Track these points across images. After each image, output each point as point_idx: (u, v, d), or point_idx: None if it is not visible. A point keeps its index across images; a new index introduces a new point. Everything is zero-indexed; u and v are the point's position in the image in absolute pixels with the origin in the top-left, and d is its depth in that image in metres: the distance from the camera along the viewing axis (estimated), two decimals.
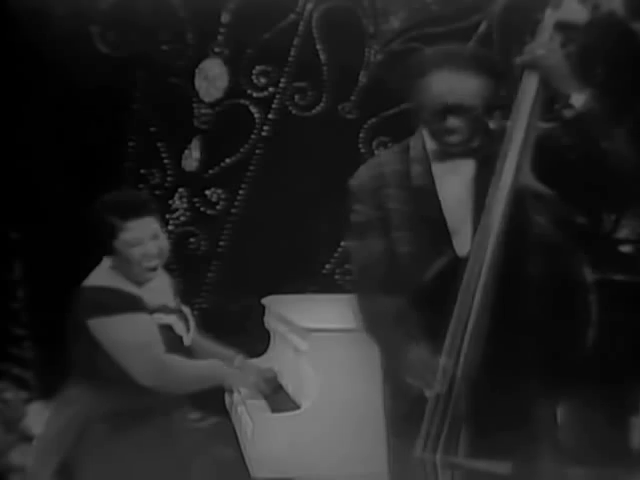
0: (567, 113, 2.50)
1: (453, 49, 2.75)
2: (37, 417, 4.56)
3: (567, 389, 2.44)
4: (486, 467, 2.39)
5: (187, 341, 3.30)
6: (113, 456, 3.09)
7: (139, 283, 3.22)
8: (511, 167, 2.51)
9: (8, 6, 4.61)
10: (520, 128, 2.54)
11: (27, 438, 4.54)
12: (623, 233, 4.26)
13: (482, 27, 4.85)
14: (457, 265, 2.52)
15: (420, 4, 4.92)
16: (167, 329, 3.20)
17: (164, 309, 3.25)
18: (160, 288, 3.34)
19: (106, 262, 3.23)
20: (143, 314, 3.14)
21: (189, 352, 3.31)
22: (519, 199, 2.50)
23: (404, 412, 2.63)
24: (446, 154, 2.69)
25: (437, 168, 2.72)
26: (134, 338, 3.11)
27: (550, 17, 2.59)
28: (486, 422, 2.42)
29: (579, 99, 2.50)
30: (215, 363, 3.28)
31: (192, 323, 3.39)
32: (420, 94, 2.68)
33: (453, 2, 4.89)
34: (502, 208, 2.48)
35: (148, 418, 3.14)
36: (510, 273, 2.46)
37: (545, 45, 2.57)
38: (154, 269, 3.20)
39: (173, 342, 3.21)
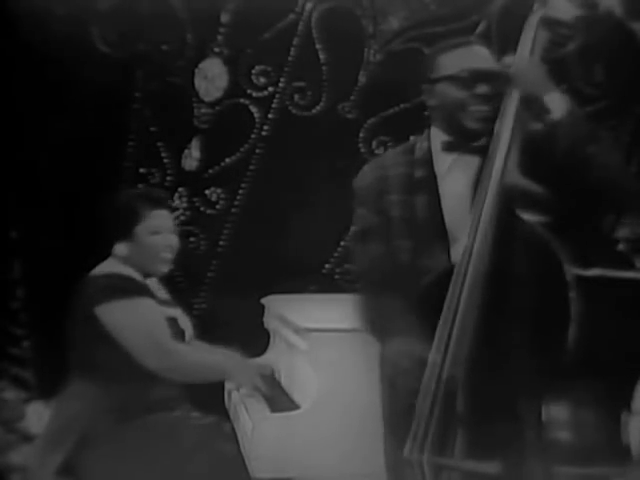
0: (548, 118, 2.50)
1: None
2: (37, 417, 4.56)
3: (552, 387, 2.44)
4: (474, 467, 2.39)
5: (188, 337, 3.32)
6: (116, 451, 3.10)
7: (147, 275, 3.26)
8: (499, 166, 2.52)
9: (8, 6, 4.61)
10: (507, 129, 2.55)
11: (27, 438, 4.55)
12: (623, 233, 4.27)
13: (481, 27, 4.85)
14: (452, 274, 2.53)
15: (419, 4, 4.93)
16: (172, 321, 3.24)
17: (169, 302, 3.29)
18: (160, 286, 3.37)
19: (115, 255, 3.26)
20: (150, 300, 3.18)
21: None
22: (506, 197, 2.51)
23: (401, 411, 2.64)
24: (454, 146, 2.69)
25: (441, 164, 2.72)
26: (141, 321, 3.15)
27: (536, 14, 2.60)
28: (473, 422, 2.42)
29: (555, 100, 2.51)
30: (220, 357, 3.30)
31: (189, 324, 3.42)
32: (441, 70, 2.68)
33: (452, 2, 4.90)
34: (489, 207, 2.49)
35: (151, 414, 3.15)
36: (496, 271, 2.46)
37: (521, 58, 2.57)
38: (168, 260, 3.27)
39: (177, 335, 3.24)
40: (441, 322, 2.47)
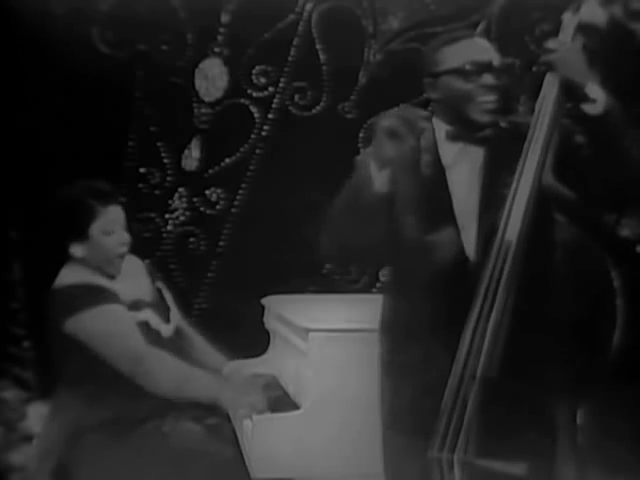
0: (591, 109, 2.49)
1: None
2: (37, 417, 4.56)
3: (589, 392, 2.45)
4: (502, 467, 2.40)
5: (166, 332, 3.27)
6: (109, 463, 3.09)
7: (110, 275, 3.20)
8: (532, 167, 2.51)
9: (8, 6, 4.61)
10: (542, 127, 2.54)
11: (27, 438, 4.54)
12: (623, 233, 4.26)
13: (481, 27, 4.85)
14: (465, 264, 2.53)
15: (419, 4, 4.93)
16: (143, 326, 3.19)
17: (138, 304, 3.22)
18: (132, 279, 3.30)
19: (73, 257, 3.21)
20: (116, 305, 3.13)
21: (170, 345, 3.28)
22: (541, 200, 2.50)
23: (404, 408, 2.64)
24: (458, 136, 2.69)
25: (447, 154, 2.71)
26: (109, 326, 3.10)
27: (570, 21, 2.60)
28: (505, 422, 2.43)
29: (596, 90, 2.51)
30: (211, 377, 3.24)
31: (173, 306, 3.35)
32: (444, 63, 2.68)
33: (452, 2, 4.90)
34: (524, 209, 2.48)
35: (142, 424, 3.13)
36: (532, 275, 2.46)
37: (564, 43, 2.58)
38: (123, 256, 3.21)
39: (151, 338, 3.19)
40: (472, 321, 2.46)
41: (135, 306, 3.22)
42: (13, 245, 4.73)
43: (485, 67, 2.65)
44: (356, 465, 3.31)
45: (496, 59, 2.68)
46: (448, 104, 2.71)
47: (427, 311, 2.59)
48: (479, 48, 2.70)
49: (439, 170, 2.69)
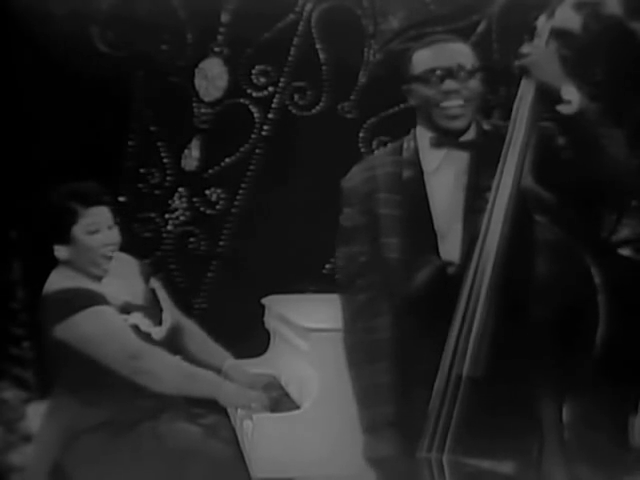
0: (565, 109, 2.52)
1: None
2: (37, 417, 4.55)
3: (574, 389, 2.47)
4: (490, 466, 2.41)
5: (157, 335, 3.25)
6: (105, 465, 3.08)
7: (97, 277, 3.18)
8: (512, 170, 2.52)
9: (8, 6, 4.61)
10: (520, 130, 2.55)
11: (27, 438, 4.54)
12: (623, 233, 4.26)
13: (481, 27, 4.85)
14: (445, 271, 2.54)
15: (419, 4, 4.93)
16: (133, 329, 3.17)
17: (127, 307, 3.20)
18: (122, 281, 3.28)
19: (61, 262, 3.19)
20: (106, 307, 3.11)
21: (163, 347, 3.27)
22: (521, 202, 2.52)
23: (375, 407, 2.66)
24: (442, 142, 2.70)
25: (430, 161, 2.73)
26: (101, 328, 3.08)
27: (545, 25, 2.62)
28: (491, 421, 2.44)
29: (571, 92, 2.53)
30: (211, 374, 3.24)
31: (166, 307, 3.33)
32: (413, 70, 2.70)
33: (452, 2, 4.90)
34: (504, 211, 2.50)
35: (137, 425, 3.12)
36: (515, 275, 2.47)
37: (538, 48, 2.59)
38: (110, 257, 3.19)
39: (143, 339, 3.18)
40: (456, 322, 2.48)
41: (124, 309, 3.19)
42: (13, 245, 4.73)
43: (448, 72, 2.66)
44: (356, 465, 3.30)
45: (470, 62, 2.68)
46: (421, 110, 2.73)
47: (417, 323, 2.61)
48: (448, 53, 2.71)
49: (419, 184, 2.71)
